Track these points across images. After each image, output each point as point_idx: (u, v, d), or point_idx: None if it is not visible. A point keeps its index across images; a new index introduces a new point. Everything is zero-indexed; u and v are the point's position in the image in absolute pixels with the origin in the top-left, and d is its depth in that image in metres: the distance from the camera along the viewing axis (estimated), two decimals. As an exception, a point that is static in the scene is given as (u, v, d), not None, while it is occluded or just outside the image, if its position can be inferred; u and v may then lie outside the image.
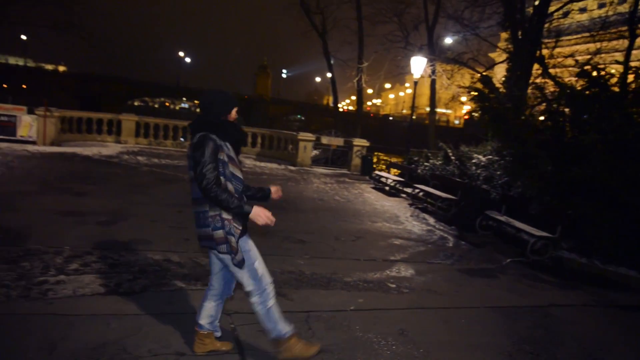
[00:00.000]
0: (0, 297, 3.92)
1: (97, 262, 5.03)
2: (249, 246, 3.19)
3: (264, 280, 3.18)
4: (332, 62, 27.33)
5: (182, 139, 19.50)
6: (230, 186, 3.00)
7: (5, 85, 68.84)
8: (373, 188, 14.22)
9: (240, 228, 3.09)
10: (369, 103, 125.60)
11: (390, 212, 10.39)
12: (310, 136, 18.94)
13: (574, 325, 4.97)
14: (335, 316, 4.38)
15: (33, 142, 14.95)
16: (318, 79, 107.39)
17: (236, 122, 3.20)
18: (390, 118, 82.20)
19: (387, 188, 14.17)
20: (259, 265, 3.19)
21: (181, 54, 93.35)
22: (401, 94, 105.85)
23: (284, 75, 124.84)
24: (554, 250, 7.83)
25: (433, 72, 20.20)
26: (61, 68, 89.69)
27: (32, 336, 3.37)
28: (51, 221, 6.46)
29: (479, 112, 8.92)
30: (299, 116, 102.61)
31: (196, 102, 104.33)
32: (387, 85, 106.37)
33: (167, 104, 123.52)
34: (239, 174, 3.10)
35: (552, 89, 8.97)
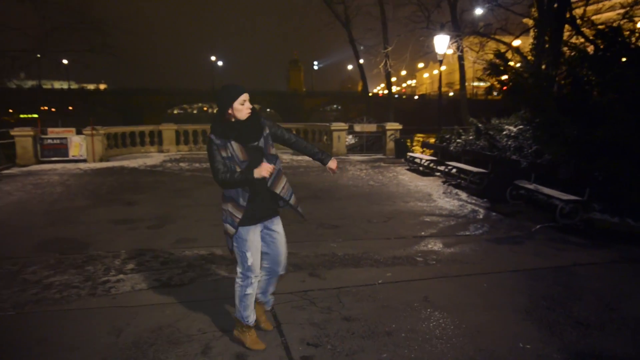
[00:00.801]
0: (72, 296, 4.57)
1: (150, 261, 5.65)
2: (249, 237, 3.43)
3: (251, 270, 3.47)
4: (361, 48, 27.47)
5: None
6: None
7: (53, 110, 72.56)
8: (408, 170, 14.49)
9: (239, 217, 3.35)
10: (403, 85, 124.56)
11: (423, 191, 10.68)
12: (343, 125, 19.34)
13: (595, 281, 5.20)
14: (364, 290, 4.81)
15: (84, 160, 16.02)
16: (350, 67, 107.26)
17: (233, 118, 3.27)
18: (416, 97, 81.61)
19: (421, 168, 14.40)
20: (251, 256, 3.45)
21: (213, 58, 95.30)
22: (435, 72, 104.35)
23: (315, 67, 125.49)
24: (584, 213, 7.96)
25: (458, 48, 20.11)
26: (102, 86, 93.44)
27: (102, 325, 3.96)
28: (107, 230, 7.17)
29: (497, 84, 9.07)
30: (335, 106, 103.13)
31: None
32: (421, 65, 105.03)
33: (205, 108, 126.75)
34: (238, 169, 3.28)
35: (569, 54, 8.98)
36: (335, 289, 4.80)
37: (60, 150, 15.93)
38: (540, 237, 6.99)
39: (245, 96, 3.27)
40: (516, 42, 21.18)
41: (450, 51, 17.10)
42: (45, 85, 75.89)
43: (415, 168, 14.63)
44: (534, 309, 4.39)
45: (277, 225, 3.62)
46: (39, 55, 24.60)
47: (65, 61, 52.18)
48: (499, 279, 5.20)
